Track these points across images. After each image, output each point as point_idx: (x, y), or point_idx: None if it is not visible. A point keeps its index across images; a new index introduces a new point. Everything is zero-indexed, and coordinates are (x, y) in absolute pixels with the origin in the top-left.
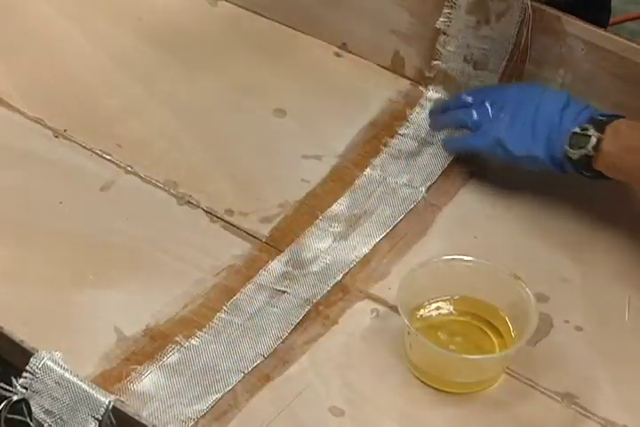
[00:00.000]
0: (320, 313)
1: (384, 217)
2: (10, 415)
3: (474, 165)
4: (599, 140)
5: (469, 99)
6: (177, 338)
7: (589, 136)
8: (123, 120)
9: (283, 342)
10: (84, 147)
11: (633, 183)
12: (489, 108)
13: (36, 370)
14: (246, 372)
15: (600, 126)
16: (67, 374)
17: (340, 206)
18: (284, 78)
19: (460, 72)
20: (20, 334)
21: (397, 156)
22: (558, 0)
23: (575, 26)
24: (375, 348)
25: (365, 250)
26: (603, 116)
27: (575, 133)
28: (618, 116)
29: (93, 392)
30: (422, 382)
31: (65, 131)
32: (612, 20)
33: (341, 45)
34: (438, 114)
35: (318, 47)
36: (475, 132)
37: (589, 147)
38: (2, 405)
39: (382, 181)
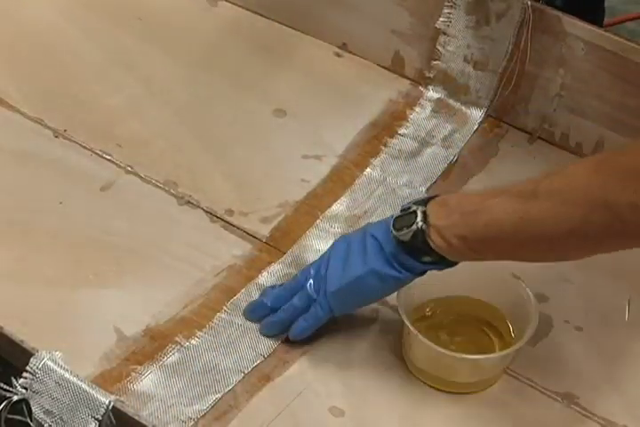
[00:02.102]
0: None
1: (384, 217)
2: (10, 415)
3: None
4: (425, 214)
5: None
6: (177, 338)
7: (414, 212)
8: (123, 120)
9: (283, 342)
10: (84, 147)
11: (489, 250)
12: (309, 283)
13: (36, 370)
14: (246, 372)
15: (421, 203)
16: (67, 375)
17: (340, 206)
18: (284, 78)
19: (459, 72)
20: (20, 334)
21: (397, 156)
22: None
23: (575, 26)
24: (375, 348)
25: None
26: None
27: (398, 218)
28: (432, 197)
29: (93, 392)
30: (422, 382)
31: (65, 131)
32: (612, 20)
33: (341, 45)
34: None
35: (318, 47)
36: (310, 307)
37: (418, 220)
38: (2, 405)
39: (382, 181)
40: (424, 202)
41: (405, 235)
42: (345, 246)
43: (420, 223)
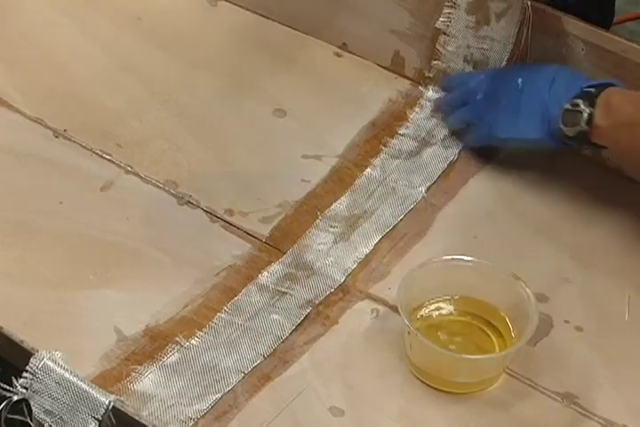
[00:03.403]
0: (320, 313)
1: (384, 217)
2: (10, 415)
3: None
4: (591, 115)
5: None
6: (177, 338)
7: (581, 112)
8: (123, 120)
9: (283, 342)
10: (84, 147)
11: (627, 158)
12: (482, 102)
13: (36, 370)
14: (246, 372)
15: (590, 99)
16: (67, 375)
17: (340, 206)
18: (284, 78)
19: (459, 72)
20: (20, 334)
21: (397, 156)
22: (561, 1)
23: (575, 26)
24: (375, 348)
25: (366, 250)
26: (592, 86)
27: (567, 111)
28: (608, 84)
29: (93, 392)
30: (422, 382)
31: (65, 131)
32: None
33: (341, 45)
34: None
35: (318, 47)
36: (474, 128)
37: (582, 123)
38: (2, 405)
39: (382, 181)
40: (592, 99)
41: (570, 131)
42: (518, 94)
43: (585, 126)
